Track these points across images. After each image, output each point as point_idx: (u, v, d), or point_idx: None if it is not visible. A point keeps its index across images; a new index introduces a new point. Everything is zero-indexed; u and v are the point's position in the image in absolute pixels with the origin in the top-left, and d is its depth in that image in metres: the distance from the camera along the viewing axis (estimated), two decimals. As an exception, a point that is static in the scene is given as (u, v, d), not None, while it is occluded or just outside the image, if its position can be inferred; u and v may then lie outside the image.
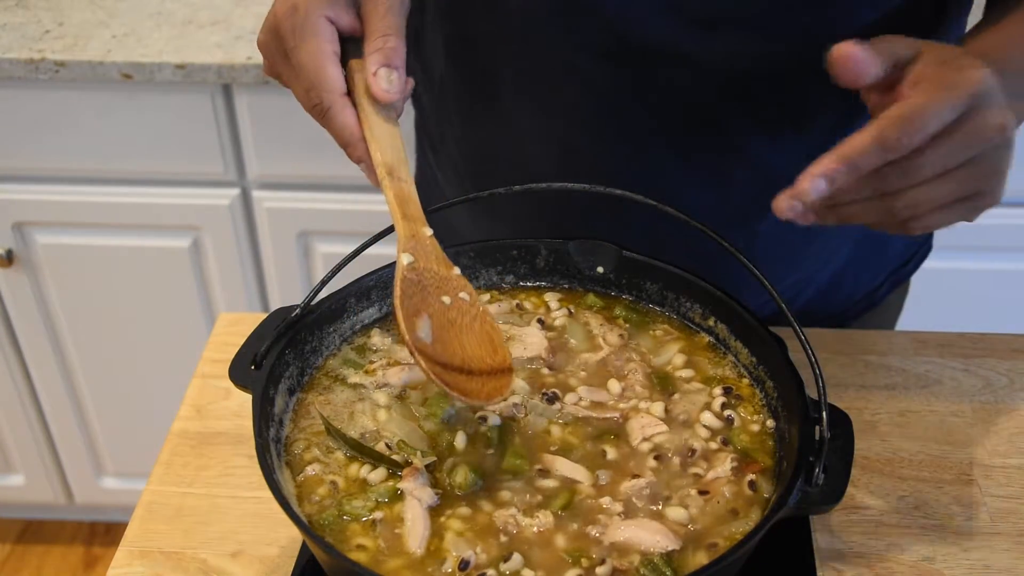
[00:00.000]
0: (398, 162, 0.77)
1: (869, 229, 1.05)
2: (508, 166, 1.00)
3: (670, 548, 0.69)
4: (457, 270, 0.78)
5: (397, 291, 0.74)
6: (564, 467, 0.74)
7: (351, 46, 0.79)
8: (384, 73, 0.75)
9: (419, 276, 0.76)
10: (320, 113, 0.76)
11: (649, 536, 0.70)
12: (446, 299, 0.77)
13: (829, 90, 0.90)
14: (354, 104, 0.77)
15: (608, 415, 0.79)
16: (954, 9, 0.92)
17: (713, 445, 0.77)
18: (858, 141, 0.65)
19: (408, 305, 0.74)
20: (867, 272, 1.10)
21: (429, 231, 0.77)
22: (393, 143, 0.77)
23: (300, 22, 0.75)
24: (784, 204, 0.67)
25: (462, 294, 0.77)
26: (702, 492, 0.73)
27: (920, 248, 1.15)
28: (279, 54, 0.78)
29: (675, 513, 0.71)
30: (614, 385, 0.81)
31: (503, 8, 0.90)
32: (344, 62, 0.79)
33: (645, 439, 0.77)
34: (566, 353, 0.85)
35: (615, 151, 0.95)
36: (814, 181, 0.65)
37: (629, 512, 0.72)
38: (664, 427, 0.77)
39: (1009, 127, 0.68)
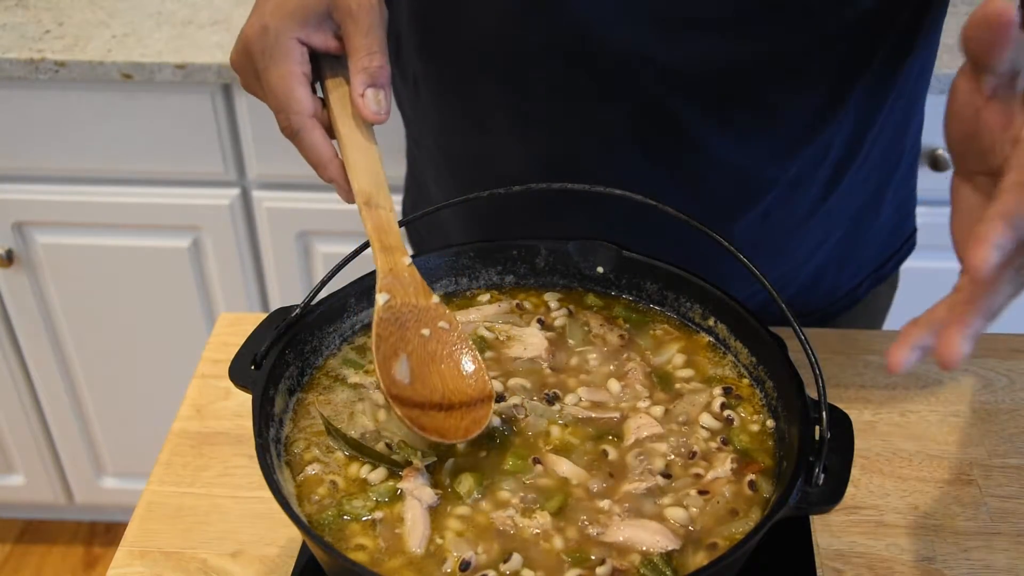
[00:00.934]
0: (376, 188, 0.76)
1: (849, 228, 1.06)
2: (486, 165, 1.00)
3: (670, 548, 0.69)
4: (436, 298, 0.78)
5: (373, 335, 0.74)
6: (564, 468, 0.75)
7: (325, 63, 0.79)
8: (372, 94, 0.75)
9: (395, 314, 0.76)
10: (291, 134, 0.76)
11: (649, 536, 0.70)
12: (425, 331, 0.77)
13: (797, 92, 0.90)
14: (324, 123, 0.77)
15: (608, 415, 0.79)
16: (933, 10, 0.92)
17: (713, 445, 0.77)
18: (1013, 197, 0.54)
19: (384, 348, 0.74)
20: (847, 270, 1.10)
21: (407, 260, 0.77)
22: (371, 167, 0.77)
23: (271, 44, 0.75)
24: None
25: (441, 323, 0.77)
26: (702, 492, 0.73)
27: (900, 248, 1.15)
28: (251, 74, 0.78)
29: (675, 513, 0.71)
30: (614, 385, 0.81)
31: (474, 10, 0.90)
32: (320, 79, 0.78)
33: (638, 440, 0.77)
34: (566, 353, 0.85)
35: (586, 153, 0.95)
36: (988, 248, 0.53)
37: (629, 512, 0.72)
38: (659, 428, 0.77)
39: None
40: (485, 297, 0.90)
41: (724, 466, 0.74)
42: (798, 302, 1.09)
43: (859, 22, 0.86)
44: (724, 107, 0.90)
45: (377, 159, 0.77)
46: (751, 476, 0.73)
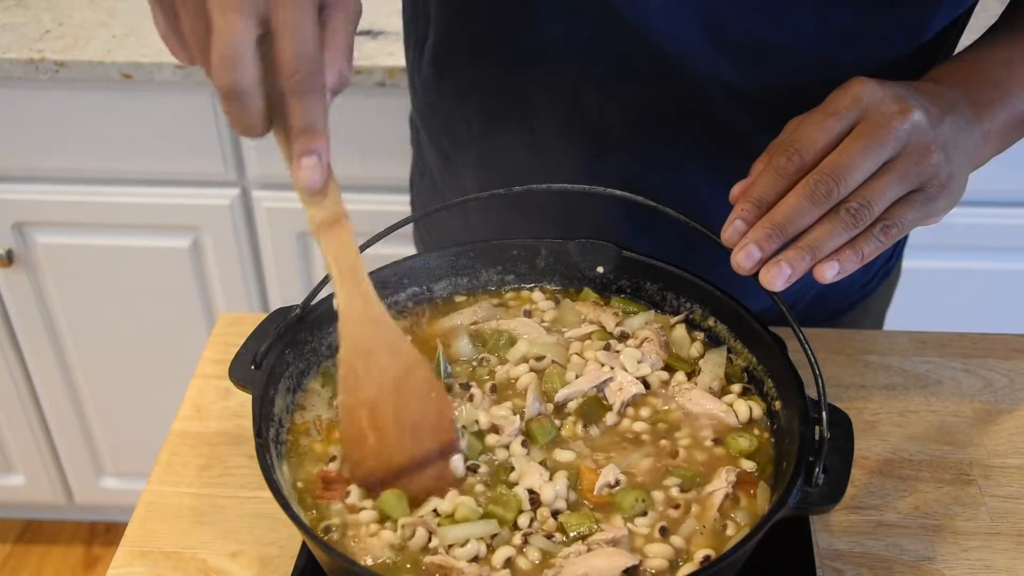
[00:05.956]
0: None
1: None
2: (539, 175, 0.99)
3: (629, 565, 0.67)
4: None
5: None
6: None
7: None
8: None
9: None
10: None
11: (605, 561, 0.68)
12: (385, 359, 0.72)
13: None
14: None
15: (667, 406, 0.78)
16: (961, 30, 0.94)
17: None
18: (758, 176, 0.72)
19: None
20: (860, 271, 1.11)
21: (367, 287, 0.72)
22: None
23: None
24: (743, 261, 0.70)
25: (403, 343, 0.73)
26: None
27: (900, 242, 1.16)
28: None
29: (677, 542, 0.70)
30: (632, 355, 0.81)
31: (542, 33, 0.90)
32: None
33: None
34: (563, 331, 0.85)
35: (648, 170, 0.95)
36: (736, 224, 0.71)
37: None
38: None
39: (913, 111, 0.70)
40: (461, 298, 0.89)
41: (722, 479, 0.74)
42: (815, 307, 1.09)
43: (921, 49, 0.87)
44: None
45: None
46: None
